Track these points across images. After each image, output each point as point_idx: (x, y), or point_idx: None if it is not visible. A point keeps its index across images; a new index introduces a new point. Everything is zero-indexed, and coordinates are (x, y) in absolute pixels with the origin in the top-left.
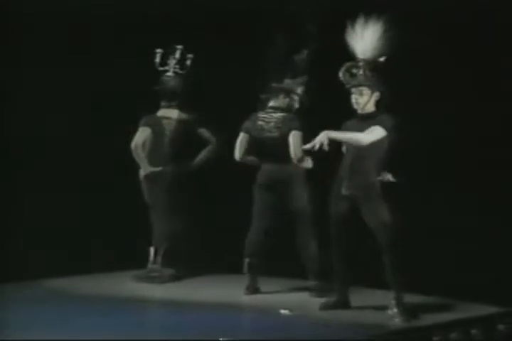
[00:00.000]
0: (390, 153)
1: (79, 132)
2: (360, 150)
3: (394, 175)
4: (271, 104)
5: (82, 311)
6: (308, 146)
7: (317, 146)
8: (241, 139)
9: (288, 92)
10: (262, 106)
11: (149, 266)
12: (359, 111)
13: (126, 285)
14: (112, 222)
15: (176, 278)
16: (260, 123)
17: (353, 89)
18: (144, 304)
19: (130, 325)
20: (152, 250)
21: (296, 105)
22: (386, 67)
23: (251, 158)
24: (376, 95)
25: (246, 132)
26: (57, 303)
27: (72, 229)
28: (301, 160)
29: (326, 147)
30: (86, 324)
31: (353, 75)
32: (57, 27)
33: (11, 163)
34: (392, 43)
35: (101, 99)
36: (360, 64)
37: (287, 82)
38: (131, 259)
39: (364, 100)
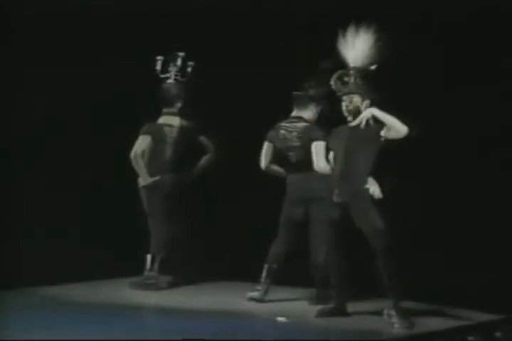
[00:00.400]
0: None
1: (79, 132)
2: (349, 158)
3: (384, 185)
4: (294, 113)
5: (78, 318)
6: (356, 122)
7: (363, 123)
8: (266, 149)
9: (312, 102)
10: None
11: (146, 273)
12: (349, 119)
13: (123, 292)
14: (109, 228)
15: (173, 285)
16: (283, 132)
17: (344, 97)
18: (141, 311)
19: (126, 332)
20: (149, 257)
21: (317, 115)
22: (377, 75)
23: (276, 168)
24: (366, 103)
25: (270, 141)
26: (54, 310)
27: (69, 235)
28: (324, 170)
29: (371, 121)
30: (82, 331)
31: (344, 83)
32: (57, 27)
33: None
34: (384, 51)
35: (101, 99)
36: (351, 72)
37: (312, 92)
38: (128, 266)
39: (354, 108)
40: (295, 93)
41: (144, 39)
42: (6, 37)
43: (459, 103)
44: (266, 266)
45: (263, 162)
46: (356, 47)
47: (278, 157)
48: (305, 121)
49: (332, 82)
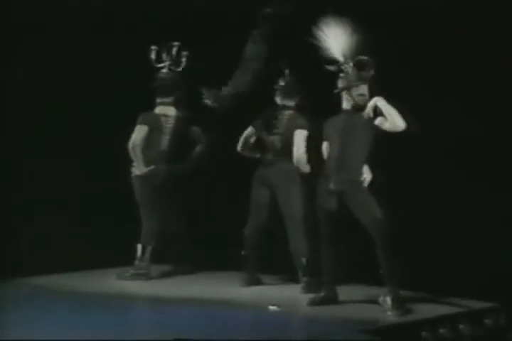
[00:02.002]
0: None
1: (79, 132)
2: (345, 147)
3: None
4: (279, 102)
5: (69, 308)
6: (367, 112)
7: (371, 114)
8: (247, 133)
9: (294, 90)
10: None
11: (137, 263)
12: (347, 108)
13: (114, 282)
14: (100, 218)
15: (164, 275)
16: (269, 119)
17: (354, 88)
18: (132, 301)
19: (117, 322)
20: (140, 247)
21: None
22: (369, 64)
23: (250, 153)
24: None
25: (253, 127)
26: (44, 301)
27: (59, 225)
28: (301, 159)
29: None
30: (73, 321)
31: (350, 74)
32: (57, 27)
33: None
34: (365, 42)
35: (101, 99)
36: (350, 63)
37: (291, 81)
38: (119, 256)
39: (365, 99)
40: (278, 83)
41: (145, 39)
42: (6, 37)
43: (461, 101)
44: (243, 252)
45: (239, 145)
46: (339, 39)
47: (259, 143)
48: (291, 109)
49: (344, 75)
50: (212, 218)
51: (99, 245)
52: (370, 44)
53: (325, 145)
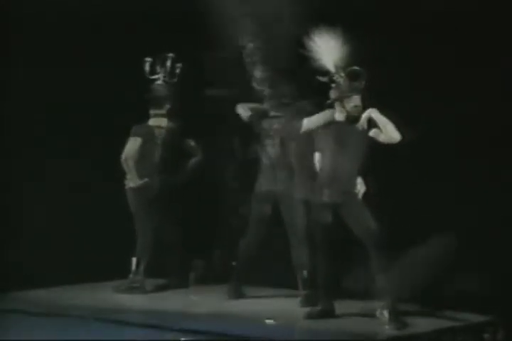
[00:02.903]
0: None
1: (79, 132)
2: (338, 158)
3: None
4: (271, 113)
5: (62, 323)
6: (361, 123)
7: (365, 125)
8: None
9: (286, 100)
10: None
11: (131, 276)
12: (339, 119)
13: (109, 295)
14: (96, 230)
15: (159, 288)
16: (264, 128)
17: (346, 99)
18: (127, 314)
19: (111, 336)
20: (134, 261)
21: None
22: (361, 75)
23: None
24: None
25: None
26: (42, 314)
27: (55, 238)
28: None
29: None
30: (71, 335)
31: (341, 85)
32: (57, 27)
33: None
34: (356, 50)
35: (101, 99)
36: (341, 74)
37: (284, 92)
38: (113, 270)
39: (359, 109)
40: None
41: (145, 39)
42: (6, 37)
43: (460, 101)
44: (236, 264)
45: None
46: (330, 50)
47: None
48: (281, 117)
49: (336, 86)
50: (207, 228)
51: (95, 258)
52: (366, 47)
53: (317, 157)
